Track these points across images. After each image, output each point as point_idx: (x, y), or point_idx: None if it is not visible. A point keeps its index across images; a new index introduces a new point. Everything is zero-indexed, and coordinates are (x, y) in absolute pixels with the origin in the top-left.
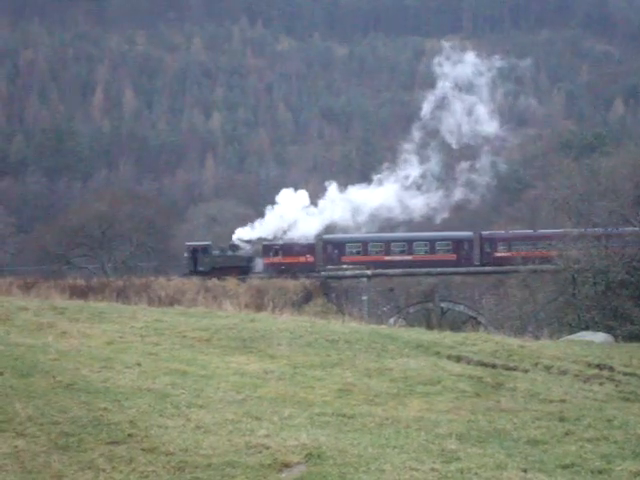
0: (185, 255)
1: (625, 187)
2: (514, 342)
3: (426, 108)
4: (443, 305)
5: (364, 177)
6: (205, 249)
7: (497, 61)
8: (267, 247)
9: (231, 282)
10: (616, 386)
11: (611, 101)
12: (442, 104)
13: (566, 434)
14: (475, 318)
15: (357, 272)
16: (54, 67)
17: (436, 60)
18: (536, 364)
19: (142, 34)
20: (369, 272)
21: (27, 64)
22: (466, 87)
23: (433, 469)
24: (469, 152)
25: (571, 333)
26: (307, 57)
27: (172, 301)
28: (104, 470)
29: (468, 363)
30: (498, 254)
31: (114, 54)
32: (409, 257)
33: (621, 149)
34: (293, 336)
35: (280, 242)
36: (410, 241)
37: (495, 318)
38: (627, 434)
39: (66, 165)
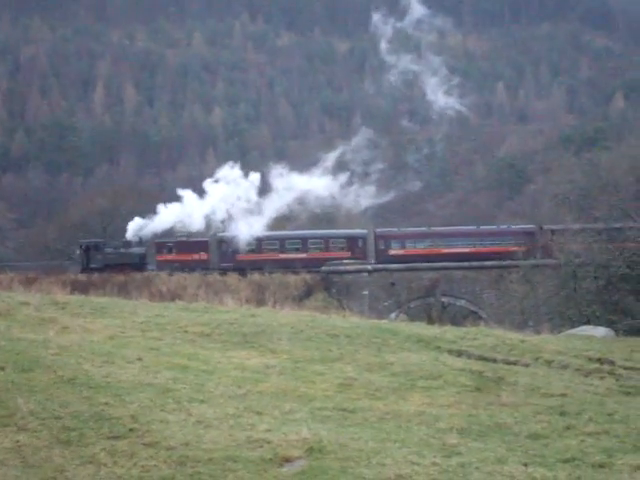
0: (77, 252)
1: (626, 181)
2: (515, 336)
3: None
4: (444, 300)
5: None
6: (97, 246)
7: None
8: (160, 244)
9: (232, 277)
10: (617, 380)
11: (611, 95)
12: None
13: (567, 428)
14: (476, 313)
15: (358, 267)
16: (55, 62)
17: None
18: (537, 358)
19: (143, 29)
20: (370, 267)
21: (28, 59)
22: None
23: (434, 463)
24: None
25: (572, 327)
26: (308, 52)
27: (173, 296)
28: (105, 464)
29: (469, 357)
30: (392, 252)
31: (115, 49)
32: (304, 255)
33: (622, 143)
34: (294, 331)
35: (173, 239)
36: (305, 239)
37: (496, 313)
38: (628, 428)
39: (67, 160)
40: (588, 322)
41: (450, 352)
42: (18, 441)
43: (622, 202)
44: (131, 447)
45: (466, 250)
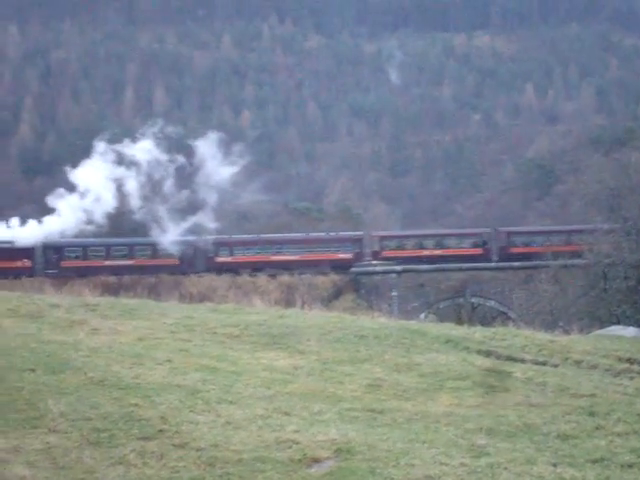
0: None
1: None
2: (544, 337)
3: None
4: (474, 300)
5: (394, 173)
6: None
7: None
8: None
9: (262, 278)
10: None
11: None
12: None
13: (596, 428)
14: (505, 313)
15: (387, 268)
16: (85, 66)
17: None
18: (566, 359)
19: (172, 32)
20: (399, 268)
21: (59, 63)
22: None
23: (462, 464)
24: None
25: (602, 328)
26: (336, 54)
27: (203, 298)
28: (135, 465)
29: (498, 358)
30: (220, 259)
31: (144, 52)
32: (131, 262)
33: None
34: (322, 332)
35: None
36: (132, 245)
37: (526, 313)
38: None
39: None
40: (618, 322)
41: (479, 352)
42: (48, 442)
43: None
44: (160, 448)
45: (295, 257)
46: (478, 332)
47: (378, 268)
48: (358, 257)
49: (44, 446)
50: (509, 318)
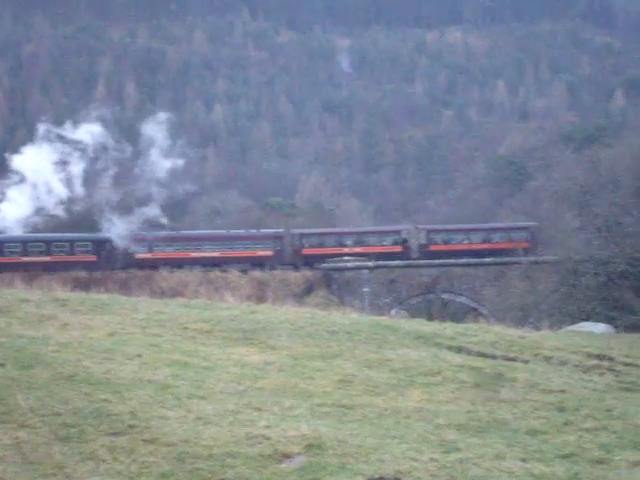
0: None
1: (626, 178)
2: (514, 333)
3: None
4: (444, 296)
5: (366, 169)
6: None
7: None
8: None
9: (233, 274)
10: (616, 376)
11: (612, 92)
12: None
13: (565, 424)
14: (477, 309)
15: (358, 264)
16: (56, 60)
17: None
18: (536, 355)
19: (144, 27)
20: (371, 264)
21: (30, 57)
22: None
23: (433, 459)
24: None
25: (572, 324)
26: (308, 49)
27: (174, 293)
28: (105, 461)
29: (468, 354)
30: (139, 256)
31: (116, 47)
32: (47, 258)
33: (622, 140)
34: (294, 327)
35: None
36: (49, 242)
37: (496, 309)
38: (626, 424)
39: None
40: (588, 318)
41: (449, 348)
42: (18, 437)
43: (622, 199)
44: (131, 443)
45: (215, 254)
46: (449, 328)
47: (350, 264)
48: (278, 254)
49: (13, 441)
50: (480, 314)
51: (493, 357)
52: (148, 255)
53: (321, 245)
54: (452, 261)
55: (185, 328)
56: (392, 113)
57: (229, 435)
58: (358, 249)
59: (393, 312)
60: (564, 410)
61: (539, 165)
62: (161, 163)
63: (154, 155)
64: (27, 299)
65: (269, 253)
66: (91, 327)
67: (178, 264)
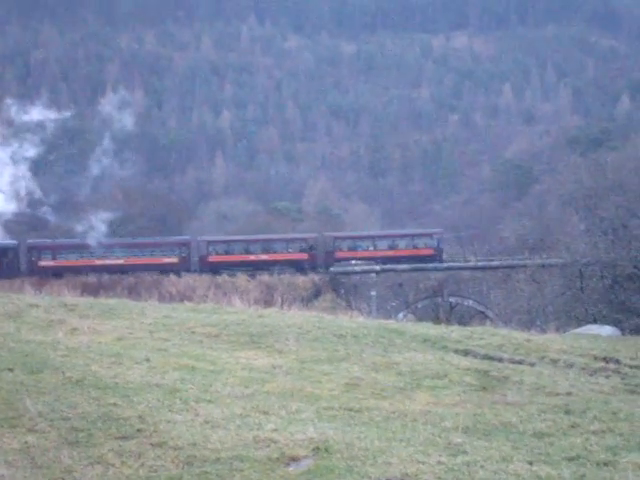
0: None
1: (632, 181)
2: (520, 336)
3: None
4: (452, 300)
5: (373, 173)
6: None
7: None
8: None
9: (241, 278)
10: (622, 379)
11: (617, 96)
12: None
13: (572, 427)
14: (483, 312)
15: (366, 268)
16: (64, 67)
17: None
18: (543, 357)
19: (151, 33)
20: (378, 267)
21: (38, 64)
22: None
23: (439, 462)
24: None
25: (578, 326)
26: (315, 55)
27: (183, 297)
28: (113, 465)
29: (475, 357)
30: (43, 263)
31: (123, 53)
32: None
33: (628, 144)
34: (301, 331)
35: None
36: None
37: (503, 312)
38: (632, 426)
39: (76, 164)
40: (594, 321)
41: (456, 352)
42: (26, 442)
43: (628, 202)
44: (139, 447)
45: (120, 262)
46: (455, 331)
47: (357, 268)
48: (184, 261)
49: (22, 446)
50: (487, 317)
51: (499, 360)
52: (51, 263)
53: (228, 252)
54: (459, 264)
55: (193, 332)
56: (398, 118)
57: (237, 438)
58: (264, 256)
59: (400, 315)
60: (570, 413)
61: (545, 169)
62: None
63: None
64: (36, 304)
65: (175, 260)
66: (99, 332)
67: (82, 271)
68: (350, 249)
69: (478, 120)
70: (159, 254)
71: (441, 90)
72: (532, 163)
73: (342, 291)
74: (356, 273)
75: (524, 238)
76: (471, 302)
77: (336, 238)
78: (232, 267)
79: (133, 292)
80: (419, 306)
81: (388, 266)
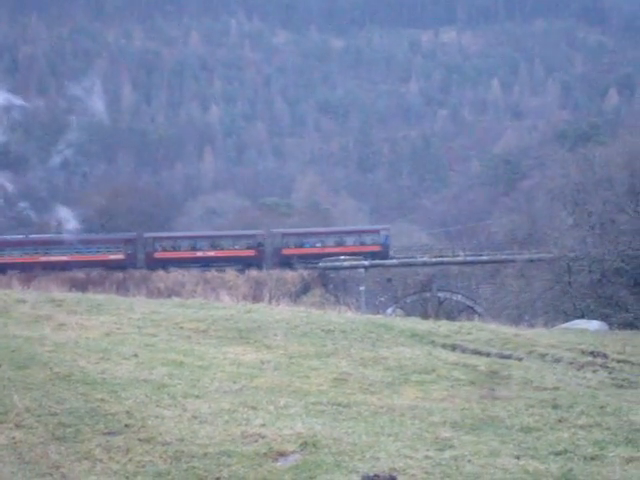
0: None
1: (620, 176)
2: (509, 331)
3: None
4: (440, 295)
5: (362, 169)
6: None
7: None
8: None
9: (230, 274)
10: (609, 373)
11: (606, 91)
12: None
13: (559, 421)
14: (472, 307)
15: (355, 263)
16: (52, 61)
17: None
18: (531, 352)
19: (140, 28)
20: (367, 263)
21: (26, 58)
22: None
23: (427, 456)
24: None
25: (566, 321)
26: (304, 50)
27: (171, 293)
28: (101, 460)
29: (463, 352)
30: None
31: (112, 48)
32: None
33: (616, 139)
34: (289, 326)
35: None
36: None
37: (492, 307)
38: (620, 421)
39: (65, 159)
40: (582, 316)
41: (444, 346)
42: (14, 437)
43: (616, 197)
44: (127, 443)
45: (65, 258)
46: (444, 326)
47: (346, 263)
48: (130, 258)
49: (9, 441)
50: (475, 312)
51: (488, 355)
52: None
53: (174, 249)
54: (448, 259)
55: (181, 328)
56: (387, 113)
57: (224, 434)
58: (211, 253)
59: (389, 311)
60: (558, 407)
61: (533, 164)
62: None
63: None
64: (23, 300)
65: (120, 257)
66: (87, 327)
67: (26, 268)
68: (297, 246)
69: (466, 115)
70: (105, 250)
71: (430, 85)
72: (520, 158)
73: (331, 286)
74: (345, 268)
75: (512, 233)
76: (460, 297)
77: (284, 235)
78: (179, 263)
79: (121, 288)
80: (408, 301)
81: (376, 261)
